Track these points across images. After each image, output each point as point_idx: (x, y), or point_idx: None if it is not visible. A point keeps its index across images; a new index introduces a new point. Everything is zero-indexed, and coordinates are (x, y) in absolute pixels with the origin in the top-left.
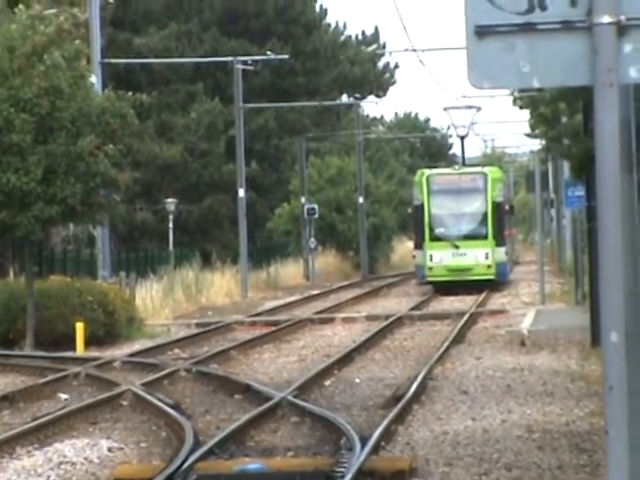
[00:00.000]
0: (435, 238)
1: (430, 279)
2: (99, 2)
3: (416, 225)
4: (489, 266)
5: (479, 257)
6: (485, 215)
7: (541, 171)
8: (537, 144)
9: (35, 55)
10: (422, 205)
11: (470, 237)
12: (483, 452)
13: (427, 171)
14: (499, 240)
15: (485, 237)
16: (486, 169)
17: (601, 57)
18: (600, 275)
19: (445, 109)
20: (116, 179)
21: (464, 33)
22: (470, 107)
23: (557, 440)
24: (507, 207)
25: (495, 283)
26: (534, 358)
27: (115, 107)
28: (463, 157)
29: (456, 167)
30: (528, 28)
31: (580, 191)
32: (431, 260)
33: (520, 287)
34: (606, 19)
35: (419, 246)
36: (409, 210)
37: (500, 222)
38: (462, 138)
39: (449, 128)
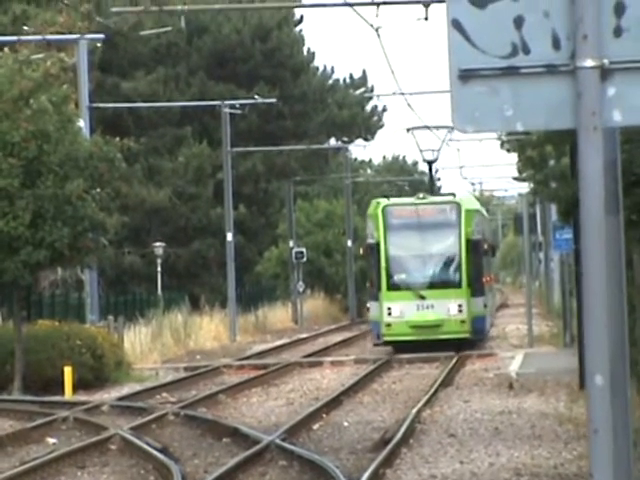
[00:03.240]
0: (394, 286)
1: (389, 339)
2: (87, 46)
3: (370, 270)
4: (463, 321)
5: (451, 310)
6: (458, 257)
7: (529, 214)
8: (525, 187)
9: (22, 99)
10: (377, 244)
11: (439, 285)
12: None
13: (383, 201)
14: (475, 288)
15: (458, 285)
16: (458, 198)
17: (585, 101)
18: (585, 318)
19: (409, 130)
20: (104, 223)
21: (448, 77)
22: (439, 127)
23: None
24: (485, 247)
25: (471, 343)
26: (522, 401)
27: (102, 152)
28: (431, 186)
29: (420, 195)
30: (511, 72)
31: (568, 234)
32: (389, 314)
33: (508, 330)
34: (589, 63)
35: (374, 297)
36: (361, 251)
37: (477, 266)
38: (430, 163)
39: (437, 171)
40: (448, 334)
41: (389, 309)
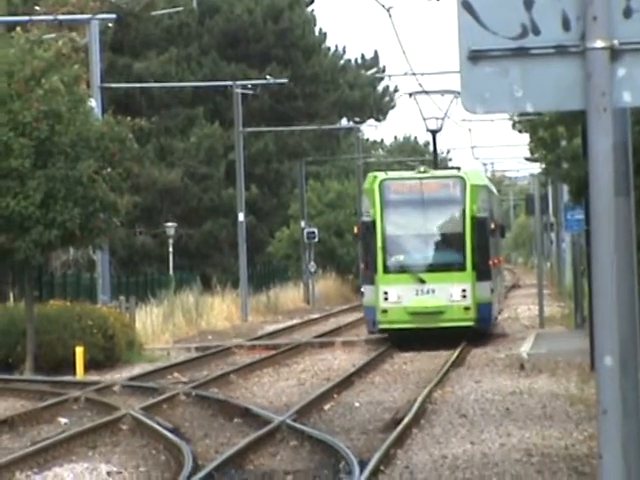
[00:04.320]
0: (391, 269)
1: (384, 326)
2: (98, 26)
3: (365, 250)
4: (467, 308)
5: (454, 295)
6: (462, 236)
7: (541, 194)
8: (537, 168)
9: (34, 79)
10: (373, 222)
11: (440, 267)
12: (482, 476)
13: (381, 175)
14: (482, 272)
15: (462, 268)
16: (463, 172)
17: (594, 81)
18: (594, 299)
19: (411, 95)
20: (115, 203)
21: (458, 57)
22: (444, 92)
23: (556, 464)
24: (493, 225)
25: (476, 332)
26: (533, 381)
27: (114, 132)
28: (435, 158)
29: (421, 169)
30: (521, 53)
31: (579, 214)
32: (386, 300)
33: (520, 310)
34: (599, 43)
35: (369, 280)
36: (355, 229)
37: (483, 246)
38: (434, 133)
39: (449, 152)
40: (450, 322)
41: (385, 294)
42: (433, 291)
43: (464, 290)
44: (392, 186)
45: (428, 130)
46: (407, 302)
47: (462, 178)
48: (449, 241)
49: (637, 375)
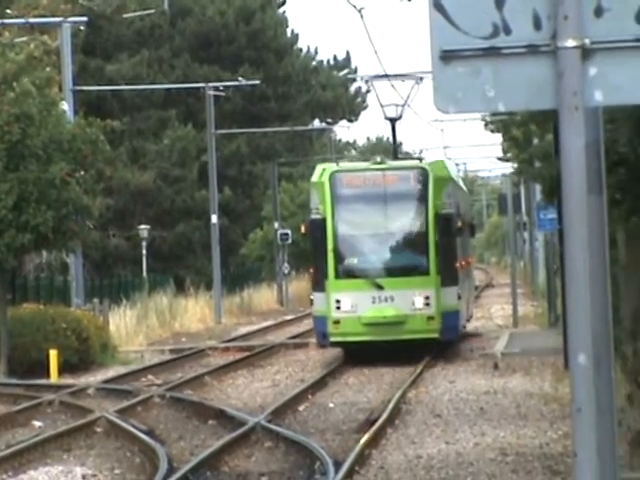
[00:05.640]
0: (344, 273)
1: (336, 339)
2: (70, 29)
3: (314, 252)
4: (431, 318)
5: (416, 303)
6: (425, 236)
7: (513, 194)
8: (509, 167)
9: (5, 83)
10: (323, 220)
11: (401, 272)
12: (457, 476)
13: (331, 166)
14: (447, 276)
15: (424, 272)
16: (426, 163)
17: (566, 81)
18: (567, 298)
19: (367, 80)
20: (88, 206)
21: (430, 58)
22: (404, 76)
23: (530, 463)
24: (460, 223)
25: (442, 344)
26: (507, 381)
27: (86, 133)
28: (395, 148)
29: (377, 159)
30: (493, 52)
31: (552, 214)
32: (338, 309)
33: (493, 310)
34: (570, 43)
35: (319, 286)
36: (302, 229)
37: (449, 247)
38: (392, 121)
39: (421, 152)
40: (412, 334)
41: (338, 302)
42: (392, 299)
43: (427, 297)
44: (344, 179)
45: (386, 118)
46: (362, 311)
47: (424, 169)
48: (410, 241)
49: (611, 373)
